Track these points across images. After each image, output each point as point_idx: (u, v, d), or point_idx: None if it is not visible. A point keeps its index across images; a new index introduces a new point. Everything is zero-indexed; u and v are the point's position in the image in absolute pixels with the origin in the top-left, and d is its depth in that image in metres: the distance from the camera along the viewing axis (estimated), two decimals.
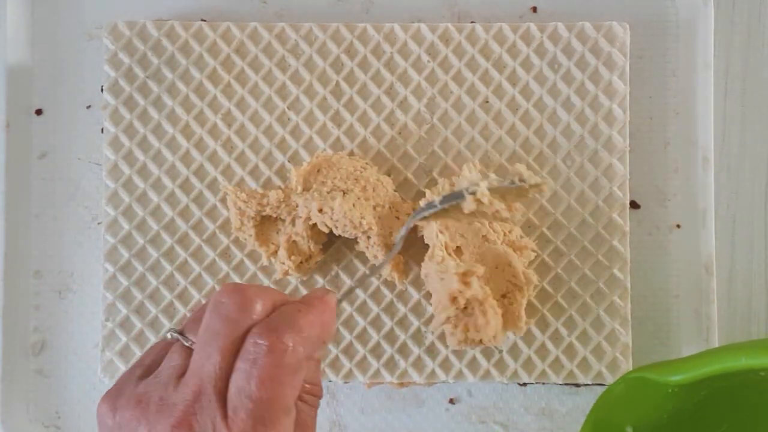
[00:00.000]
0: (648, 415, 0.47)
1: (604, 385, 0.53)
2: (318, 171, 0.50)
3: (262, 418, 0.31)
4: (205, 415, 0.32)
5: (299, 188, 0.50)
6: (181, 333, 0.35)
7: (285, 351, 0.32)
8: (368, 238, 0.50)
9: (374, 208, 0.50)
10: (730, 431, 0.49)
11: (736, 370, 0.42)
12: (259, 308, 0.34)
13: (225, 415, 0.31)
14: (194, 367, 0.33)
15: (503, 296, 0.50)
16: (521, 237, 0.51)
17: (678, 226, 0.55)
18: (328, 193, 0.49)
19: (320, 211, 0.49)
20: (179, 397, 0.32)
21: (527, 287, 0.49)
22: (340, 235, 0.50)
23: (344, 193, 0.49)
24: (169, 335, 0.35)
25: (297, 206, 0.50)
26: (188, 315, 0.52)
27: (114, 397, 0.34)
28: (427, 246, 0.50)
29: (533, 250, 0.51)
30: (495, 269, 0.50)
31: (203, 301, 0.52)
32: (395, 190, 0.52)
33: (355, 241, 0.51)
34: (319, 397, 0.38)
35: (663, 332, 0.54)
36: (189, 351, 0.34)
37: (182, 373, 0.33)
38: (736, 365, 0.42)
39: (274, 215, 0.51)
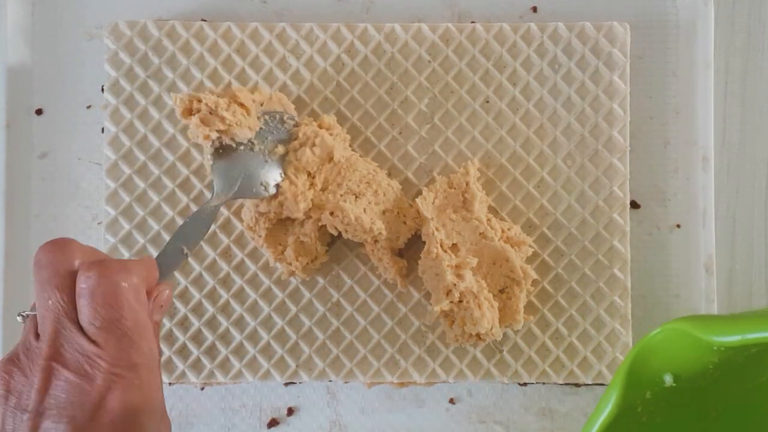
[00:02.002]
0: (690, 365, 0.44)
1: (604, 384, 0.53)
2: (338, 172, 0.50)
3: (122, 334, 0.35)
4: (71, 343, 0.35)
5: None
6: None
7: (114, 275, 0.36)
8: (375, 242, 0.50)
9: (383, 212, 0.50)
10: None
11: None
12: (76, 251, 0.37)
13: (90, 340, 0.35)
14: (41, 314, 0.36)
15: (501, 291, 0.50)
16: (520, 234, 0.51)
17: (678, 226, 0.55)
18: (341, 196, 0.49)
19: (332, 214, 0.48)
20: (42, 340, 0.35)
21: (525, 281, 0.50)
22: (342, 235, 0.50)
23: (357, 197, 0.49)
24: (19, 319, 0.38)
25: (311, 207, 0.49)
26: (188, 314, 0.53)
27: None
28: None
29: (531, 246, 0.51)
30: (492, 265, 0.50)
31: (203, 301, 0.52)
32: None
33: (357, 242, 0.51)
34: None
35: None
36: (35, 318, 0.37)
37: (36, 328, 0.36)
38: None
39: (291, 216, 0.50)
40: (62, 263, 0.36)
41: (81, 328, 0.35)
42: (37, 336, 0.36)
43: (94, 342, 0.35)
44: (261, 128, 0.49)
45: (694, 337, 0.42)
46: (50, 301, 0.35)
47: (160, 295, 0.40)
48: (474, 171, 0.51)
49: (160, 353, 0.41)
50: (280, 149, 0.49)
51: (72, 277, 0.36)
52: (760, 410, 0.47)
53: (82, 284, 0.35)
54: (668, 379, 0.44)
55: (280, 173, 0.49)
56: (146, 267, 0.39)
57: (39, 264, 0.36)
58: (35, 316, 0.37)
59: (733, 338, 0.40)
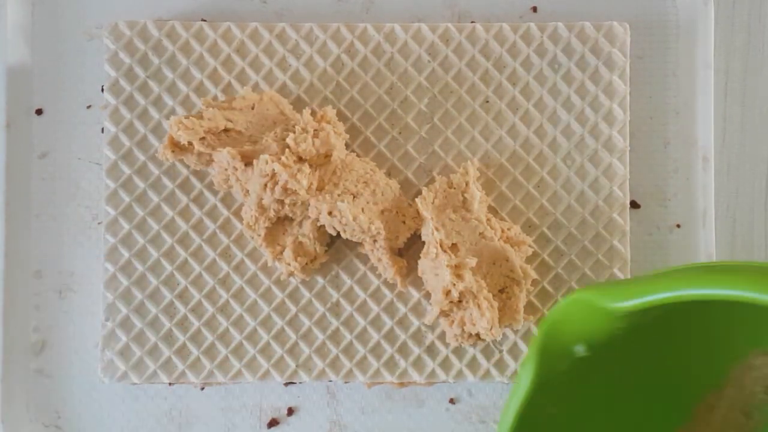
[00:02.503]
0: (599, 333, 0.44)
1: None
2: (333, 172, 0.50)
3: None
4: None
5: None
6: None
7: None
8: (374, 242, 0.50)
9: (382, 212, 0.50)
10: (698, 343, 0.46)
11: (688, 299, 0.37)
12: None
13: None
14: None
15: (501, 291, 0.50)
16: (519, 234, 0.51)
17: (678, 226, 0.55)
18: (339, 195, 0.49)
19: (330, 214, 0.48)
20: None
21: (525, 281, 0.50)
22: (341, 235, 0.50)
23: (354, 197, 0.49)
24: None
25: (308, 206, 0.49)
26: (188, 314, 0.53)
27: None
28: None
29: (530, 246, 0.51)
30: (492, 265, 0.50)
31: (203, 301, 0.53)
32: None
33: (356, 242, 0.51)
34: None
35: None
36: None
37: None
38: (685, 295, 0.37)
39: (291, 215, 0.50)
40: None
41: None
42: None
43: None
44: None
45: (594, 305, 0.41)
46: None
47: None
48: (473, 171, 0.51)
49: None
50: None
51: None
52: (671, 371, 0.47)
53: None
54: (580, 349, 0.44)
55: None
56: None
57: None
58: None
59: (630, 302, 0.39)
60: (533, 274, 0.50)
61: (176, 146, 0.50)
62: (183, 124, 0.48)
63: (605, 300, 0.41)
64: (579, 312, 0.43)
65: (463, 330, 0.49)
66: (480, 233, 0.50)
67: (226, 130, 0.50)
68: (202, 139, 0.49)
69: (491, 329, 0.48)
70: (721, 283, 0.36)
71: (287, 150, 0.48)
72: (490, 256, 0.50)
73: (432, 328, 0.53)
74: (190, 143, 0.49)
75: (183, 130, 0.48)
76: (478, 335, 0.49)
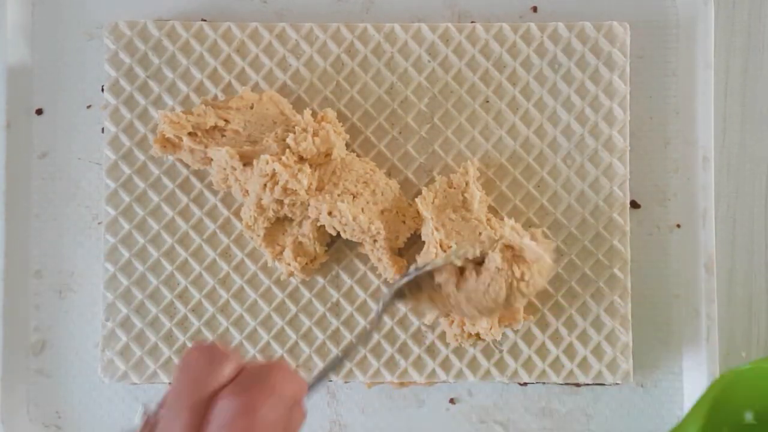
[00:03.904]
0: None
1: (604, 384, 0.53)
2: (333, 172, 0.50)
3: None
4: None
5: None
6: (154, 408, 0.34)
7: (257, 410, 0.31)
8: (374, 241, 0.50)
9: (382, 212, 0.50)
10: None
11: None
12: (227, 369, 0.33)
13: None
14: (162, 428, 0.32)
15: None
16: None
17: (678, 225, 0.55)
18: (338, 195, 0.49)
19: (330, 214, 0.48)
20: None
21: None
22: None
23: (354, 197, 0.49)
24: (140, 414, 0.34)
25: (308, 206, 0.49)
26: (188, 314, 0.53)
27: None
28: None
29: None
30: None
31: (203, 301, 0.52)
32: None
33: (356, 241, 0.51)
34: None
35: (663, 332, 0.54)
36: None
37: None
38: None
39: (290, 215, 0.50)
40: (208, 385, 0.32)
41: None
42: None
43: None
44: None
45: None
46: (177, 422, 0.32)
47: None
48: (474, 171, 0.51)
49: None
50: None
51: (210, 398, 0.32)
52: None
53: (221, 411, 0.32)
54: (749, 417, 0.43)
55: None
56: (298, 387, 0.35)
57: (186, 371, 0.33)
58: (154, 420, 0.33)
59: None
60: None
61: (166, 141, 0.50)
62: (168, 118, 0.49)
63: None
64: (754, 379, 0.42)
65: (462, 330, 0.49)
66: (480, 233, 0.50)
67: (221, 129, 0.50)
68: (192, 135, 0.49)
69: (491, 329, 0.48)
70: None
71: (287, 150, 0.48)
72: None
73: (432, 328, 0.53)
74: (179, 138, 0.49)
75: (168, 123, 0.49)
76: (477, 335, 0.49)
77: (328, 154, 0.49)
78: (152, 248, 0.53)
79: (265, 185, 0.48)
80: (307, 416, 0.54)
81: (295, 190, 0.48)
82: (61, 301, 0.55)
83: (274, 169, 0.47)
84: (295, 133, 0.48)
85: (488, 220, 0.50)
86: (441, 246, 0.49)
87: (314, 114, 0.51)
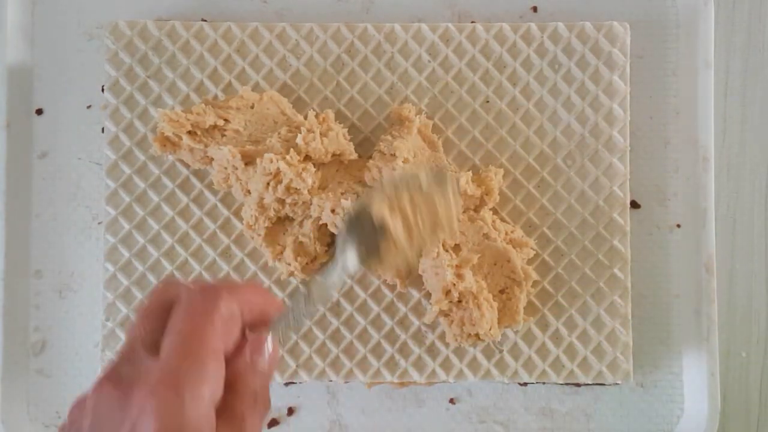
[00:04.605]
0: None
1: (604, 384, 0.53)
2: (336, 170, 0.50)
3: (188, 350, 0.30)
4: (134, 361, 0.31)
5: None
6: None
7: (217, 296, 0.32)
8: None
9: None
10: None
11: None
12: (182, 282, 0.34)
13: (155, 356, 0.31)
14: (125, 338, 0.33)
15: (501, 292, 0.50)
16: (522, 236, 0.51)
17: (678, 225, 0.55)
18: (342, 194, 0.49)
19: (333, 211, 0.48)
20: (109, 361, 0.32)
21: (526, 282, 0.50)
22: None
23: (357, 196, 0.49)
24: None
25: (310, 205, 0.49)
26: None
27: None
28: None
29: (533, 248, 0.51)
30: (494, 265, 0.50)
31: None
32: None
33: None
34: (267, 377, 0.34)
35: (663, 332, 0.54)
36: None
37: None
38: None
39: (291, 215, 0.50)
40: (167, 294, 0.33)
41: (154, 350, 0.31)
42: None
43: (155, 356, 0.31)
44: None
45: None
46: (135, 328, 0.32)
47: (256, 345, 0.33)
48: (500, 177, 0.51)
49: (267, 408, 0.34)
50: None
51: (169, 307, 0.32)
52: None
53: (183, 298, 0.32)
54: None
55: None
56: (254, 293, 0.34)
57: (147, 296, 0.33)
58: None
59: None
60: (534, 276, 0.50)
61: (166, 140, 0.50)
62: (168, 116, 0.49)
63: None
64: None
65: (462, 330, 0.49)
66: (484, 234, 0.50)
67: (221, 129, 0.50)
68: (192, 133, 0.49)
69: (490, 330, 0.48)
70: None
71: (291, 149, 0.48)
72: (492, 257, 0.50)
73: (432, 328, 0.53)
74: (178, 137, 0.49)
75: (168, 122, 0.49)
76: (477, 335, 0.49)
77: (334, 154, 0.49)
78: (152, 248, 0.53)
79: (268, 184, 0.48)
80: (307, 416, 0.55)
81: (299, 189, 0.48)
82: (61, 301, 0.55)
83: (278, 168, 0.47)
84: (301, 132, 0.48)
85: (493, 222, 0.50)
86: (443, 246, 0.49)
87: (316, 115, 0.51)
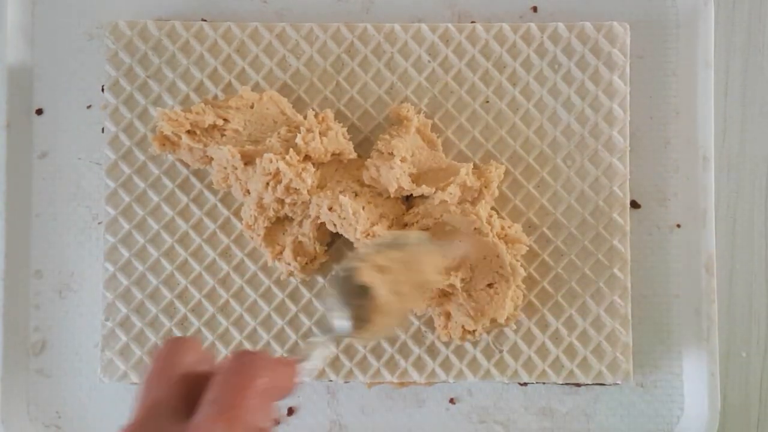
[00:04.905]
0: None
1: (604, 384, 0.53)
2: (336, 170, 0.50)
3: (225, 418, 0.30)
4: (159, 426, 0.31)
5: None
6: None
7: (253, 377, 0.31)
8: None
9: (380, 216, 0.50)
10: None
11: None
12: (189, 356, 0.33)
13: (181, 423, 0.31)
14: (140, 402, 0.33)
15: (489, 286, 0.50)
16: (518, 232, 0.51)
17: (678, 225, 0.55)
18: (340, 192, 0.49)
19: (330, 209, 0.48)
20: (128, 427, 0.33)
21: (513, 278, 0.49)
22: (341, 235, 0.50)
23: (356, 195, 0.49)
24: None
25: (309, 205, 0.49)
26: (188, 314, 0.53)
27: None
28: None
29: (526, 245, 0.51)
30: (483, 260, 0.50)
31: (203, 301, 0.52)
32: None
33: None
34: None
35: (663, 332, 0.54)
36: None
37: None
38: None
39: (291, 215, 0.50)
40: (178, 364, 0.33)
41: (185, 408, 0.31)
42: None
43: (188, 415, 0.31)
44: None
45: None
46: (157, 390, 0.33)
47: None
48: (500, 173, 0.51)
49: None
50: None
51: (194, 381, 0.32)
52: None
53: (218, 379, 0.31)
54: None
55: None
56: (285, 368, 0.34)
57: (153, 358, 0.33)
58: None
59: None
60: (522, 272, 0.50)
61: (165, 139, 0.50)
62: (167, 116, 0.49)
63: None
64: None
65: (447, 323, 0.49)
66: (476, 228, 0.50)
67: (221, 128, 0.50)
68: (191, 133, 0.49)
69: (475, 332, 0.49)
70: None
71: (291, 149, 0.48)
72: (481, 251, 0.50)
73: (432, 328, 0.52)
74: (177, 136, 0.49)
75: (167, 121, 0.49)
76: (464, 328, 0.49)
77: (334, 154, 0.50)
78: (152, 248, 0.53)
79: (268, 184, 0.48)
80: (307, 416, 0.55)
81: (298, 189, 0.48)
82: (61, 301, 0.55)
83: (277, 168, 0.47)
84: (300, 132, 0.48)
85: (489, 217, 0.50)
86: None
87: (315, 115, 0.51)
